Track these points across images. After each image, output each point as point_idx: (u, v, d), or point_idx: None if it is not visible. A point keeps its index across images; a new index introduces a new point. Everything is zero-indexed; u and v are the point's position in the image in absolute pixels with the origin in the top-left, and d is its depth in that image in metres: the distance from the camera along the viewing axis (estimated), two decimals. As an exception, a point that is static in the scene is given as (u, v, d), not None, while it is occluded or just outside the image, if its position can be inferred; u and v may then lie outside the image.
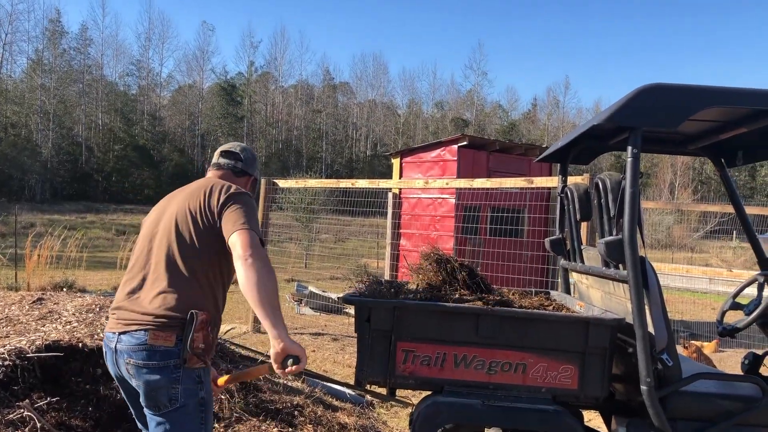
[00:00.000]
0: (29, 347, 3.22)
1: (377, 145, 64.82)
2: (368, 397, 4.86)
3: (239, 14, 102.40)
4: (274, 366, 1.95)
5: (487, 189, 7.24)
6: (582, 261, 3.12)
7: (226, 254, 2.12)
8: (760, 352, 2.79)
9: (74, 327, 3.74)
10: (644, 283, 2.32)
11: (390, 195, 8.23)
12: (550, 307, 2.81)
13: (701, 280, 13.67)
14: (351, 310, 8.17)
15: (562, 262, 3.36)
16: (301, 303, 9.92)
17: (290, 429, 3.63)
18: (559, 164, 3.39)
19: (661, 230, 24.43)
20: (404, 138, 62.87)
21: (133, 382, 2.04)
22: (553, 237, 3.33)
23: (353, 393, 4.80)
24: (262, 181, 7.56)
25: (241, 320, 8.33)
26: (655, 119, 2.28)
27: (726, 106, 2.32)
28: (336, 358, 6.54)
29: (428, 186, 7.44)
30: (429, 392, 2.51)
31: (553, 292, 3.36)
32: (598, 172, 3.91)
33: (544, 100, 74.94)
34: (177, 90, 63.31)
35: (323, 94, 67.38)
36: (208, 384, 2.11)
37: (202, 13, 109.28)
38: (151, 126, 57.38)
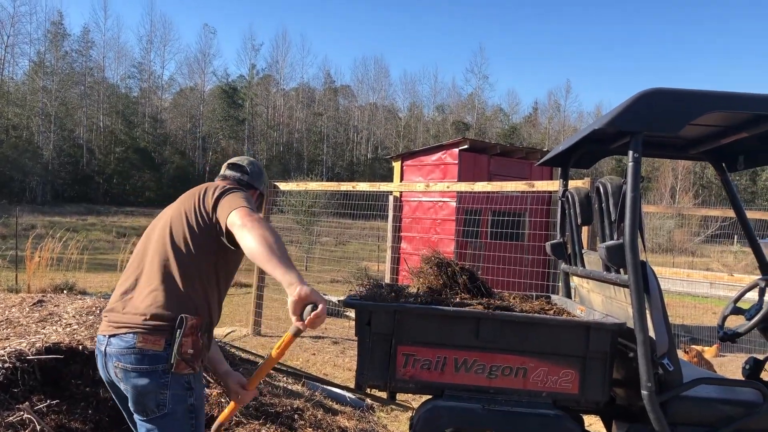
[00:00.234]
0: (29, 349, 3.22)
1: (378, 149, 64.88)
2: (368, 400, 4.85)
3: (241, 17, 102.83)
4: (294, 319, 1.78)
5: (488, 192, 7.24)
6: (583, 265, 3.11)
7: (222, 257, 2.12)
8: (761, 357, 2.78)
9: (74, 329, 3.74)
10: (645, 287, 2.32)
11: (391, 198, 8.24)
12: (551, 312, 2.80)
13: (702, 285, 13.65)
14: (351, 313, 8.16)
15: (563, 266, 3.36)
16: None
17: (290, 432, 3.62)
18: (560, 168, 3.39)
19: (661, 234, 24.40)
20: (405, 141, 62.89)
21: (122, 386, 2.01)
22: (554, 241, 3.33)
23: (353, 396, 4.79)
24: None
25: (241, 323, 8.32)
26: (657, 124, 2.28)
27: (727, 111, 2.32)
28: (336, 361, 6.53)
29: (429, 189, 7.44)
30: (429, 396, 2.51)
31: (553, 297, 3.36)
32: (599, 176, 3.92)
33: (545, 104, 75.09)
34: (178, 92, 63.36)
35: (324, 97, 67.46)
36: (198, 390, 2.07)
37: (203, 16, 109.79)
38: (153, 128, 57.40)
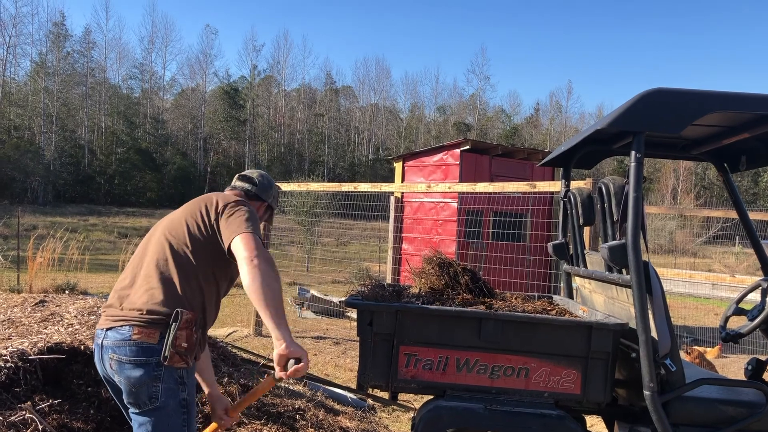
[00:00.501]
0: (31, 349, 3.23)
1: (379, 149, 64.86)
2: (370, 401, 4.85)
3: (242, 18, 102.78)
4: (277, 369, 1.94)
5: (490, 193, 7.24)
6: (585, 265, 3.11)
7: (221, 265, 2.15)
8: (763, 357, 2.78)
9: (76, 329, 3.75)
10: (647, 287, 2.31)
11: (392, 199, 8.24)
12: (553, 312, 2.80)
13: (704, 286, 13.64)
14: (353, 313, 8.16)
15: (565, 266, 3.35)
16: (302, 306, 9.91)
17: (292, 433, 3.62)
18: (562, 169, 3.39)
19: (663, 235, 24.38)
20: (406, 142, 62.84)
21: (116, 379, 2.06)
22: (556, 241, 3.33)
23: (355, 397, 4.79)
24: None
25: (242, 323, 8.33)
26: (658, 124, 2.28)
27: (729, 111, 2.32)
28: (338, 361, 6.53)
29: (430, 190, 7.44)
30: (431, 396, 2.51)
31: (555, 297, 3.36)
32: (601, 176, 3.92)
33: (546, 105, 74.97)
34: (180, 93, 63.34)
35: (326, 98, 67.45)
36: (191, 386, 2.11)
37: (205, 17, 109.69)
38: (154, 129, 57.44)
